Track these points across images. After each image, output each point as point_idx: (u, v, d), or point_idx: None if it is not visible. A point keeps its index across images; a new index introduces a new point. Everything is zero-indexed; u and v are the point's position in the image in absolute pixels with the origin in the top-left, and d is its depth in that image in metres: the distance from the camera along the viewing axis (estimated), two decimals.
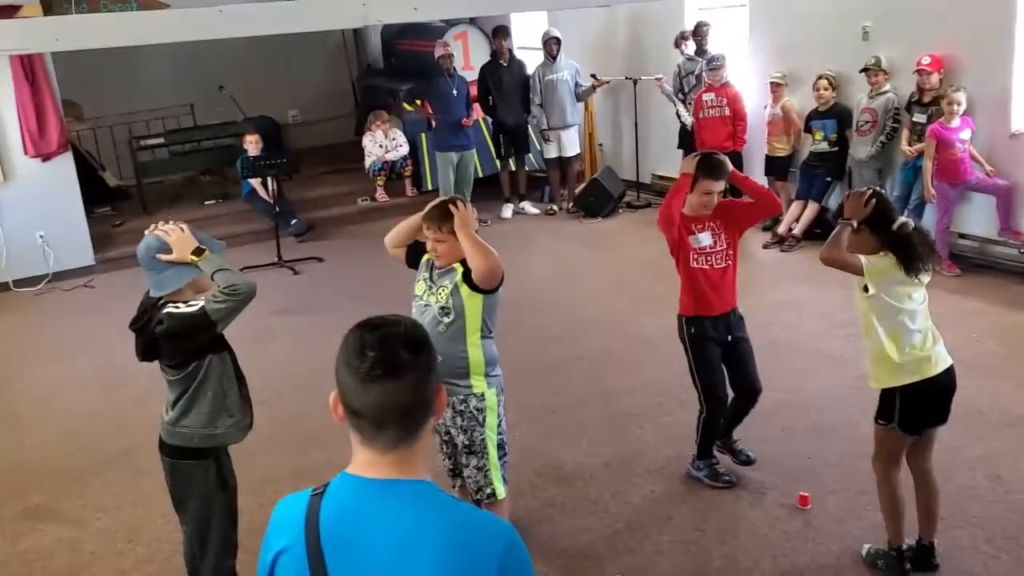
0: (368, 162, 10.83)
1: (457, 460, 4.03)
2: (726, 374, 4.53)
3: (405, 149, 10.79)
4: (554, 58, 9.82)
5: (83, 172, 9.79)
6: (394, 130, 10.83)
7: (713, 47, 9.03)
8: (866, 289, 3.56)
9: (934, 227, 6.96)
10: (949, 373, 3.58)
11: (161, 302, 3.30)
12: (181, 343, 3.28)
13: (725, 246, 4.35)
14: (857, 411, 5.16)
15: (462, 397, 3.86)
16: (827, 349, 6.04)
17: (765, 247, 8.34)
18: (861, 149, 7.87)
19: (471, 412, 3.87)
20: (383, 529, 1.63)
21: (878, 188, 3.76)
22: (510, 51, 9.97)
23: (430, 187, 10.73)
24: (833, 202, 8.42)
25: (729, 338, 4.49)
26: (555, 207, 10.35)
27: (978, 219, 7.32)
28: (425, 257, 3.95)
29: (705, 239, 4.31)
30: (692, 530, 4.23)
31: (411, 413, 1.67)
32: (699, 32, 9.06)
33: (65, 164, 9.32)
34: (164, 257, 3.26)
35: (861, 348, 5.84)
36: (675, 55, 9.48)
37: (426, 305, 3.84)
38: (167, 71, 12.00)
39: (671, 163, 10.07)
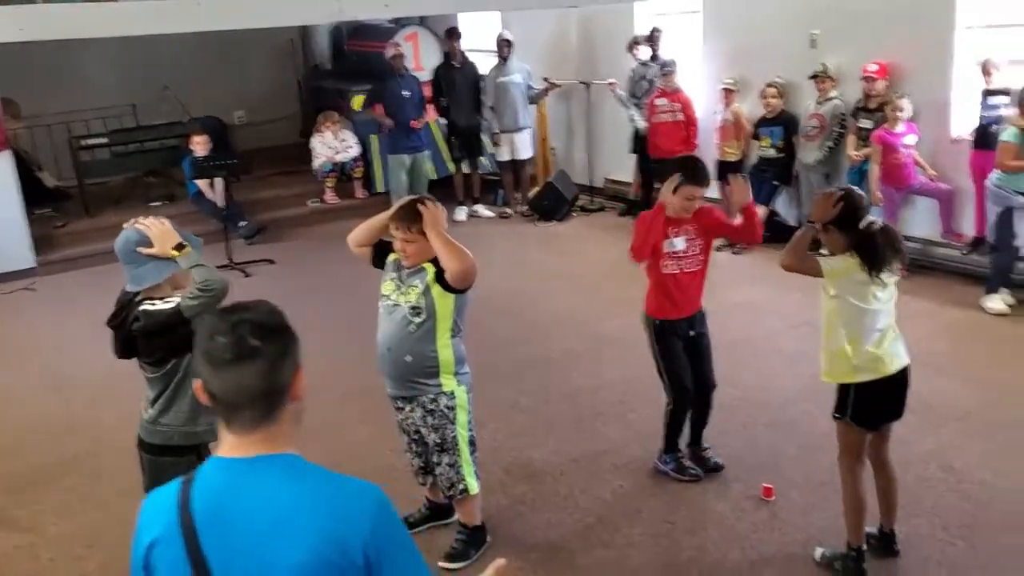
0: (317, 163, 10.75)
1: (428, 459, 4.05)
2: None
3: (356, 151, 10.73)
4: (506, 60, 9.86)
5: (20, 172, 9.54)
6: (344, 131, 10.77)
7: (666, 53, 9.15)
8: (829, 290, 3.66)
9: None
10: (904, 371, 3.67)
11: (138, 298, 3.26)
12: (157, 340, 3.24)
13: (698, 251, 4.42)
14: (814, 406, 5.29)
15: (432, 396, 3.87)
16: (784, 348, 6.17)
17: (718, 249, 8.41)
18: (809, 154, 8.06)
19: (442, 411, 3.89)
20: (254, 505, 1.66)
21: (850, 187, 3.84)
22: (463, 53, 9.98)
23: (381, 189, 10.71)
24: (780, 206, 8.63)
25: (692, 333, 4.57)
26: (509, 210, 10.39)
27: (921, 222, 7.55)
28: (392, 256, 3.95)
29: (679, 243, 4.37)
30: (662, 522, 4.29)
31: (264, 397, 1.70)
32: (653, 38, 9.19)
33: (3, 163, 9.08)
34: (145, 251, 3.22)
35: (817, 347, 6.03)
36: (627, 60, 9.60)
37: (395, 305, 3.84)
38: (108, 70, 11.74)
39: (624, 167, 10.22)
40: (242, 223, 9.83)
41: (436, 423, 3.90)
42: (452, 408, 3.90)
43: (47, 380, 6.56)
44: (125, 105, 11.36)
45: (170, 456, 3.37)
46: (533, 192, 10.44)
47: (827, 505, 4.30)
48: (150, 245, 3.22)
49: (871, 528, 3.88)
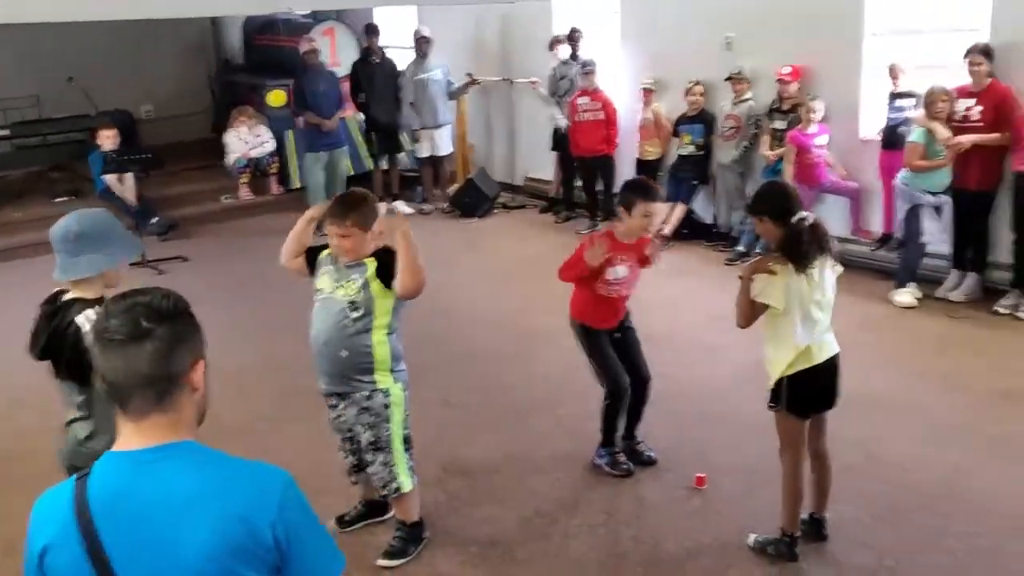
0: (231, 159, 10.54)
1: (361, 457, 4.00)
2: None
3: (270, 146, 10.56)
4: (425, 57, 9.84)
5: None
6: (259, 126, 10.59)
7: (586, 52, 9.26)
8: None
9: None
10: (834, 360, 3.79)
11: (72, 301, 3.11)
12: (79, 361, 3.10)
13: (633, 277, 4.51)
14: (739, 397, 5.46)
15: (367, 393, 3.83)
16: (706, 341, 6.32)
17: None
18: (725, 153, 8.27)
19: (377, 409, 3.85)
20: (156, 496, 1.63)
21: (784, 182, 3.97)
22: (381, 49, 9.91)
23: (297, 185, 10.56)
24: (698, 204, 8.82)
25: (617, 335, 4.65)
26: (429, 206, 10.37)
27: (831, 219, 7.76)
28: (325, 252, 3.91)
29: (621, 272, 4.43)
30: (599, 514, 4.35)
31: (154, 383, 1.65)
32: (573, 37, 9.28)
33: None
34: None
35: (737, 339, 6.18)
36: (546, 58, 9.68)
37: (332, 299, 3.79)
38: (9, 60, 11.27)
39: (543, 165, 10.31)
40: (154, 219, 9.58)
41: (371, 421, 3.86)
42: (387, 406, 3.86)
43: None
44: (28, 96, 10.93)
45: None
46: (453, 189, 10.45)
47: (757, 493, 4.43)
48: (93, 237, 3.09)
49: (803, 515, 4.01)
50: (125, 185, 9.33)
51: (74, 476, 1.70)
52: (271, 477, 1.70)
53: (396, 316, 3.84)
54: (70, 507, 1.65)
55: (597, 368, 4.64)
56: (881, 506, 4.29)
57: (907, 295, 6.77)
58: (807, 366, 3.71)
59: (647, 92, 8.73)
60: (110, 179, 9.31)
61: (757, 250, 7.86)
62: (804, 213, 3.73)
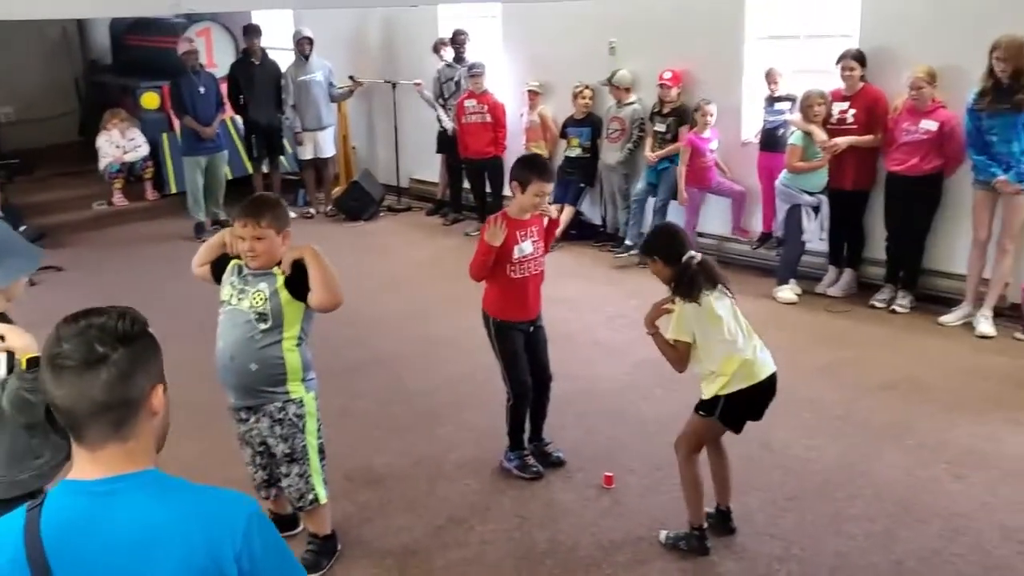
0: (103, 163, 10.12)
1: (273, 471, 3.92)
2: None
3: (145, 150, 10.20)
4: (307, 58, 9.67)
5: None
6: (132, 129, 10.21)
7: (471, 55, 9.27)
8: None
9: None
10: (772, 378, 3.93)
11: None
12: None
13: (540, 253, 4.52)
14: (638, 395, 5.60)
15: (280, 404, 3.75)
16: (603, 340, 6.44)
17: None
18: (611, 155, 8.43)
19: (291, 419, 3.78)
20: (115, 528, 1.55)
21: (673, 224, 4.13)
22: (263, 50, 9.68)
23: (174, 190, 10.21)
24: (586, 206, 8.96)
25: (531, 329, 4.67)
26: (312, 210, 10.19)
27: (714, 219, 8.08)
28: (232, 263, 3.80)
29: (527, 247, 4.44)
30: (512, 517, 4.37)
31: (111, 410, 1.57)
32: (457, 40, 9.28)
33: None
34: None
35: (633, 337, 6.32)
36: (431, 60, 9.66)
37: (237, 311, 3.69)
38: None
39: (429, 167, 10.28)
40: (22, 228, 9.05)
41: (285, 432, 3.78)
42: (301, 416, 3.79)
43: None
44: None
45: None
46: (337, 192, 10.30)
47: (664, 488, 4.54)
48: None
49: (708, 508, 4.13)
50: None
51: (24, 506, 1.60)
52: (235, 507, 1.64)
53: (307, 324, 3.77)
54: (20, 540, 1.55)
55: (504, 366, 4.64)
56: (782, 496, 4.46)
57: (788, 291, 7.06)
58: (747, 384, 3.82)
59: (533, 94, 8.82)
60: None
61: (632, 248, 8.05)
62: (692, 253, 3.90)
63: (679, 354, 3.89)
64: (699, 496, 4.03)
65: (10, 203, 9.01)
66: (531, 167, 4.46)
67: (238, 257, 3.73)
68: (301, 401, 3.78)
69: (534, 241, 4.47)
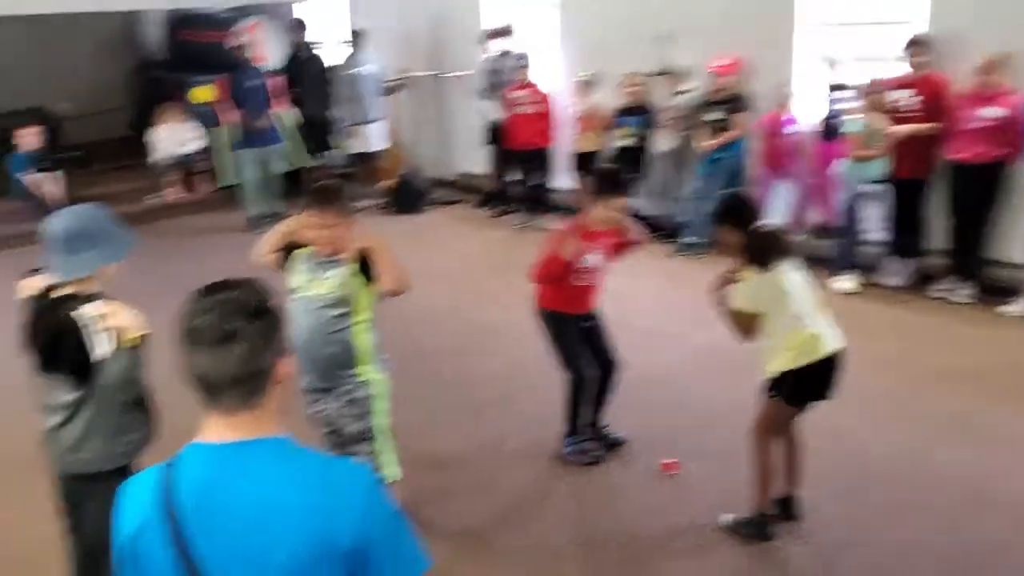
0: (158, 157, 10.24)
1: (344, 450, 3.94)
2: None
3: (198, 143, 10.31)
4: (359, 52, 9.71)
5: None
6: (186, 123, 10.31)
7: (522, 46, 9.27)
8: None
9: None
10: (839, 355, 3.87)
11: (68, 297, 3.00)
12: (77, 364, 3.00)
13: (605, 265, 4.53)
14: (695, 382, 5.57)
15: (351, 386, 3.80)
16: (658, 328, 6.41)
17: None
18: (663, 144, 8.37)
19: (361, 400, 3.82)
20: (242, 491, 1.62)
21: (743, 192, 4.08)
22: (309, 44, 9.76)
23: (227, 183, 10.33)
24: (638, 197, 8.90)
25: (586, 324, 4.68)
26: (362, 203, 10.24)
27: (773, 209, 7.97)
28: (301, 251, 3.83)
29: (592, 259, 4.44)
30: (573, 502, 4.38)
31: (244, 382, 1.64)
32: (507, 31, 9.28)
33: None
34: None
35: (690, 326, 6.28)
36: (478, 52, 9.66)
37: (310, 298, 3.73)
38: None
39: (476, 159, 10.29)
40: None
41: (357, 412, 3.82)
42: (372, 397, 3.84)
43: None
44: None
45: (91, 484, 3.13)
46: (386, 185, 10.35)
47: (725, 475, 4.52)
48: (90, 236, 2.99)
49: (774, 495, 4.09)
50: (46, 186, 8.99)
51: (160, 464, 1.68)
52: (357, 479, 1.68)
53: (374, 309, 3.80)
54: (157, 496, 1.62)
55: (562, 356, 4.65)
56: (846, 485, 4.42)
57: (847, 282, 6.97)
58: (813, 359, 3.77)
59: (584, 85, 8.77)
60: (30, 180, 8.96)
61: (692, 239, 8.02)
62: (764, 220, 3.85)
63: (744, 323, 3.85)
64: (770, 483, 4.00)
65: (66, 197, 9.13)
66: (608, 181, 4.44)
67: (304, 245, 3.77)
68: (371, 383, 3.82)
69: (601, 254, 4.47)
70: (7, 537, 4.30)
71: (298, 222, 3.78)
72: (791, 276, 3.81)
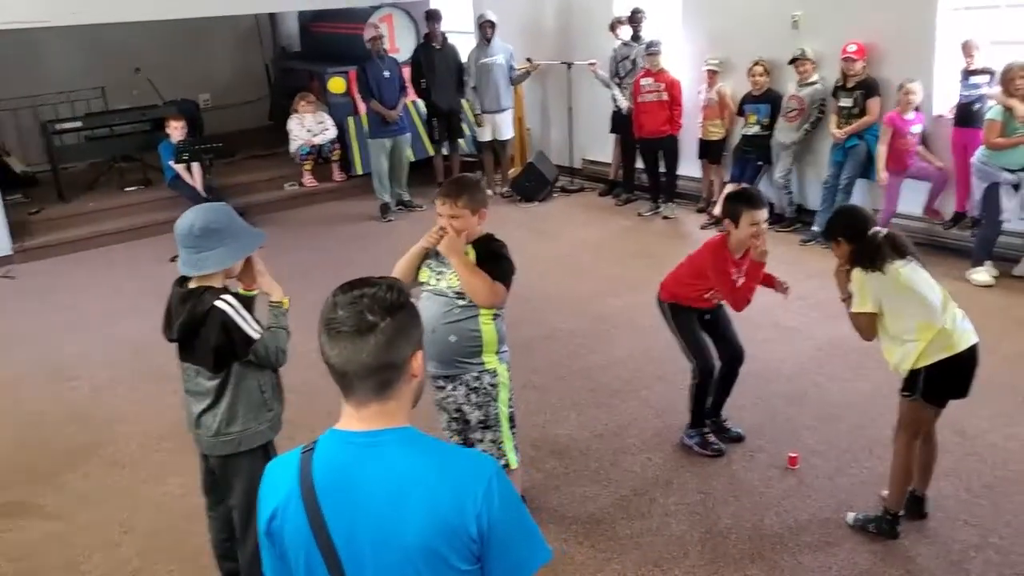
0: (294, 146, 10.67)
1: (467, 436, 4.09)
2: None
3: (333, 132, 10.67)
4: (489, 41, 9.86)
5: None
6: (320, 113, 10.69)
7: (648, 33, 9.24)
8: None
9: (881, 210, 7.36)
10: (973, 350, 3.78)
11: (201, 289, 3.24)
12: (222, 344, 3.24)
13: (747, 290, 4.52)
14: (822, 377, 5.50)
15: (476, 374, 3.92)
16: (783, 322, 6.33)
17: (703, 228, 8.65)
18: (786, 134, 8.21)
19: (485, 388, 3.94)
20: (375, 477, 1.70)
21: (851, 205, 4.03)
22: (443, 34, 9.96)
23: (360, 172, 10.68)
24: (764, 185, 8.78)
25: (707, 317, 4.70)
26: (491, 191, 10.43)
27: (905, 199, 7.72)
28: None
29: (736, 279, 4.49)
30: (695, 493, 4.42)
31: (378, 372, 1.72)
32: (635, 18, 9.26)
33: None
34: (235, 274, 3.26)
35: (814, 319, 6.20)
36: (606, 40, 9.68)
37: (437, 292, 3.87)
38: (73, 52, 11.52)
39: (601, 147, 10.33)
40: None
41: (479, 400, 3.95)
42: (495, 386, 3.95)
43: (43, 371, 6.46)
44: (92, 88, 11.13)
45: (236, 463, 3.39)
46: (512, 173, 10.51)
47: (849, 471, 4.48)
48: (217, 231, 3.21)
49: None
50: (194, 174, 9.51)
51: (299, 448, 1.80)
52: (480, 468, 1.75)
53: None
54: (296, 477, 1.75)
55: (686, 346, 4.68)
56: (977, 484, 4.31)
57: (984, 274, 6.73)
58: (947, 355, 3.70)
59: (711, 73, 8.68)
60: (180, 168, 9.50)
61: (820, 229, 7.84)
62: (877, 228, 3.82)
63: (864, 323, 3.82)
64: (907, 483, 3.95)
65: (212, 185, 9.65)
66: (738, 199, 4.42)
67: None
68: (495, 371, 3.94)
69: (742, 274, 4.49)
70: (166, 508, 4.65)
71: (427, 242, 3.90)
72: (912, 274, 3.73)
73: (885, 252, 3.72)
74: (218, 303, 3.16)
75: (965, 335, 3.76)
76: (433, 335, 3.88)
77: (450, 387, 3.98)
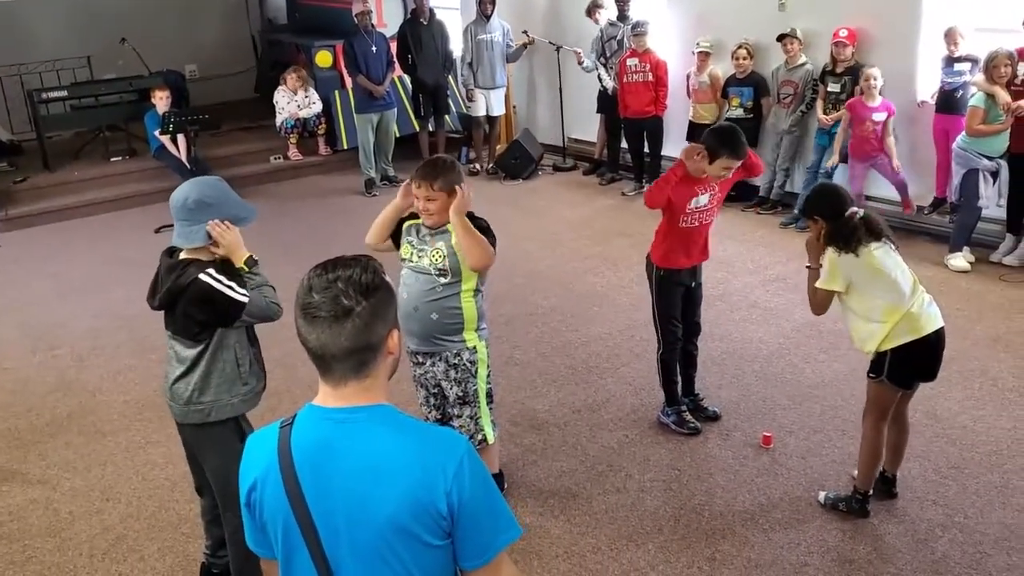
0: (280, 119, 10.63)
1: (446, 411, 4.15)
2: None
3: (319, 107, 10.63)
4: (488, 17, 9.82)
5: None
6: (307, 87, 10.65)
7: (635, 13, 9.25)
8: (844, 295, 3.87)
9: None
10: (939, 334, 3.86)
11: (188, 261, 3.27)
12: (201, 313, 3.27)
13: (715, 204, 4.55)
14: (798, 358, 5.58)
15: (456, 351, 3.98)
16: (760, 302, 6.41)
17: None
18: (784, 120, 8.24)
19: (465, 365, 4.00)
20: (351, 451, 1.74)
21: (832, 184, 4.07)
22: (430, 9, 9.92)
23: (345, 146, 10.66)
24: None
25: (693, 284, 4.75)
26: (478, 166, 10.45)
27: (882, 183, 7.80)
28: (408, 223, 4.02)
29: (704, 200, 4.47)
30: (670, 469, 4.50)
31: (356, 354, 1.75)
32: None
33: None
34: (213, 249, 3.27)
35: (791, 300, 6.28)
36: (592, 24, 9.66)
37: (418, 269, 3.91)
38: (61, 21, 11.44)
39: (587, 126, 10.35)
40: None
41: (459, 377, 4.01)
42: (474, 362, 4.02)
43: (27, 339, 6.49)
44: (78, 57, 11.06)
45: (208, 432, 3.43)
46: (498, 150, 10.52)
47: (822, 451, 4.57)
48: (211, 205, 3.23)
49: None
50: (179, 145, 9.50)
51: (278, 422, 1.85)
52: (452, 446, 1.79)
53: (482, 277, 3.97)
54: (274, 450, 1.81)
55: (658, 317, 4.73)
56: (946, 465, 4.41)
57: (961, 259, 6.82)
58: (913, 338, 3.77)
59: (703, 55, 8.68)
60: (165, 139, 9.48)
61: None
62: (855, 208, 3.87)
63: (822, 299, 3.90)
64: (876, 464, 4.03)
65: (197, 156, 9.62)
66: (726, 142, 4.34)
67: (414, 217, 3.96)
68: (475, 349, 4.01)
69: (712, 194, 4.49)
70: (148, 476, 4.70)
71: (403, 202, 3.96)
72: (884, 257, 3.79)
73: (861, 235, 3.77)
74: (201, 276, 3.19)
75: (932, 319, 3.84)
76: (415, 312, 3.93)
77: (429, 363, 4.04)
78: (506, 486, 4.32)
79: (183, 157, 9.49)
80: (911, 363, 3.84)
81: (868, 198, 7.73)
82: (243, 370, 3.42)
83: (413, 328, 3.97)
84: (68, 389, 5.70)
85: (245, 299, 3.26)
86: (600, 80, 9.49)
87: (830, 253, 3.83)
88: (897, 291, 3.78)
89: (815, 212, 3.94)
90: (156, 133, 9.44)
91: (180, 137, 9.43)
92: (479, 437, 4.10)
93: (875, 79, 7.25)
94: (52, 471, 4.80)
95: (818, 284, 3.89)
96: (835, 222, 3.84)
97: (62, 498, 4.54)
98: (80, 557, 4.09)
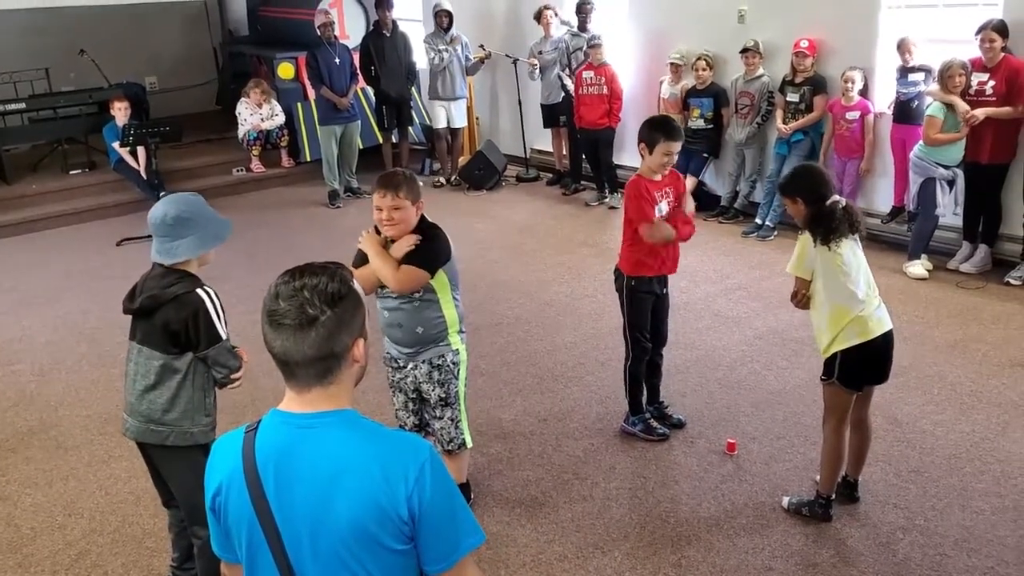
0: (242, 131, 10.58)
1: (424, 416, 4.12)
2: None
3: (281, 118, 10.61)
4: (446, 30, 9.87)
5: None
6: (270, 99, 10.61)
7: (596, 26, 9.32)
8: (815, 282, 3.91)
9: None
10: (887, 336, 3.90)
11: (189, 273, 3.25)
12: (185, 331, 3.24)
13: (677, 210, 4.58)
14: (760, 365, 5.64)
15: (440, 353, 3.96)
16: (723, 311, 6.48)
17: None
18: (741, 131, 8.36)
19: (448, 366, 3.97)
20: (313, 457, 1.74)
21: (815, 165, 4.09)
22: (393, 21, 9.94)
23: (308, 158, 10.62)
24: (708, 177, 8.96)
25: (662, 292, 4.78)
26: (442, 179, 10.46)
27: (845, 190, 7.95)
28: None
29: (664, 207, 4.52)
30: (635, 477, 4.52)
31: (320, 362, 1.75)
32: (583, 10, 9.34)
33: None
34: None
35: (753, 309, 6.37)
36: (555, 32, 9.71)
37: (391, 295, 3.87)
38: (18, 33, 11.29)
39: (548, 138, 10.42)
40: (162, 193, 9.61)
41: (442, 378, 3.96)
42: (457, 364, 3.99)
43: None
44: (36, 69, 10.91)
45: (168, 451, 3.39)
46: (461, 162, 10.54)
47: (785, 456, 4.62)
48: (189, 220, 3.22)
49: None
50: (139, 158, 9.40)
51: (244, 427, 1.85)
52: (415, 451, 1.79)
53: (455, 279, 3.94)
54: (239, 454, 1.80)
55: (629, 325, 4.75)
56: (907, 468, 4.47)
57: (919, 267, 6.94)
58: (861, 341, 3.81)
59: (675, 67, 8.76)
60: (124, 151, 9.38)
61: (762, 222, 8.06)
62: (837, 197, 3.86)
63: (806, 284, 3.91)
64: (838, 468, 4.07)
65: (157, 169, 9.50)
66: (657, 127, 4.42)
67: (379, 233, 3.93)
68: (457, 350, 4.00)
69: (668, 201, 4.54)
70: (111, 491, 4.64)
71: (370, 238, 3.93)
72: (851, 256, 3.81)
73: (842, 230, 3.73)
74: (200, 291, 3.18)
75: (880, 322, 3.87)
76: (400, 328, 3.92)
77: (410, 366, 3.99)
78: (473, 496, 4.32)
79: (142, 170, 9.40)
80: (860, 365, 3.88)
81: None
82: (208, 400, 3.40)
83: (401, 339, 3.95)
84: (29, 404, 5.61)
85: (224, 336, 3.25)
86: (564, 89, 9.52)
87: (804, 239, 3.82)
88: (849, 295, 3.80)
89: (797, 193, 3.86)
90: (115, 145, 9.33)
91: (140, 150, 9.34)
92: (459, 440, 4.08)
93: (852, 82, 7.41)
94: (12, 487, 4.71)
95: (788, 268, 3.92)
96: (816, 207, 3.78)
97: (23, 514, 4.46)
98: (42, 573, 4.02)
